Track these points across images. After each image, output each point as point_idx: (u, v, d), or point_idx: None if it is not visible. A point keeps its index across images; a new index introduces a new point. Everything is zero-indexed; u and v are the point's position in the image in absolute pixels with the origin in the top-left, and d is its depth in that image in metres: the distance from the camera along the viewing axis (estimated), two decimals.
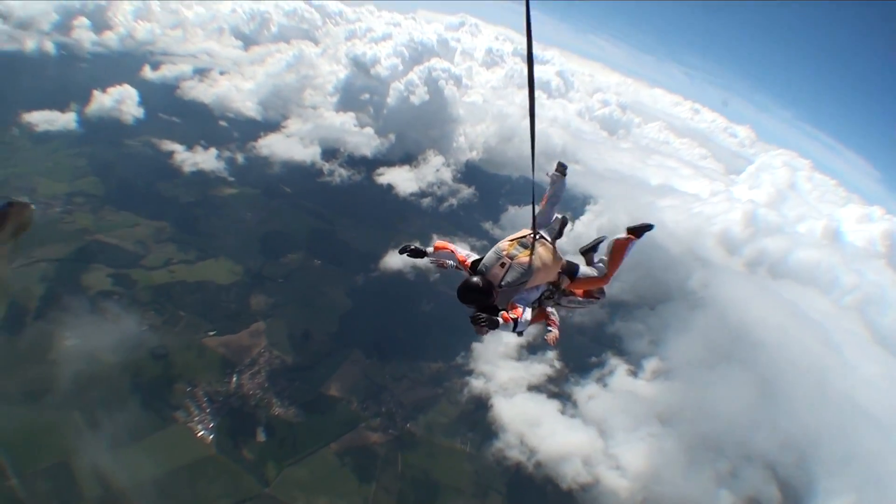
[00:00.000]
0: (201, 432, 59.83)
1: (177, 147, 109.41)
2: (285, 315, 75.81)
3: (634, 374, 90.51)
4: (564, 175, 8.83)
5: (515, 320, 7.21)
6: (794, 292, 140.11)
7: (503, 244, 7.90)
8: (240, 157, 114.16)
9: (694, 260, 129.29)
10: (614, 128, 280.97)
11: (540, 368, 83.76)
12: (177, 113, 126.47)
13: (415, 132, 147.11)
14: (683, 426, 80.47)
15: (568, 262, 8.62)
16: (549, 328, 8.44)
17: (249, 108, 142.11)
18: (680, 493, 70.83)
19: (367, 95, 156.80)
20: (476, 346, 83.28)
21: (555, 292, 8.73)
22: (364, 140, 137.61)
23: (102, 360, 60.53)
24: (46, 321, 62.65)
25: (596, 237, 9.58)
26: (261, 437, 61.96)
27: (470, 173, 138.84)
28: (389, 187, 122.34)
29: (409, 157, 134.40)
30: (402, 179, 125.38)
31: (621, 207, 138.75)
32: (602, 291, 9.46)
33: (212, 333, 69.06)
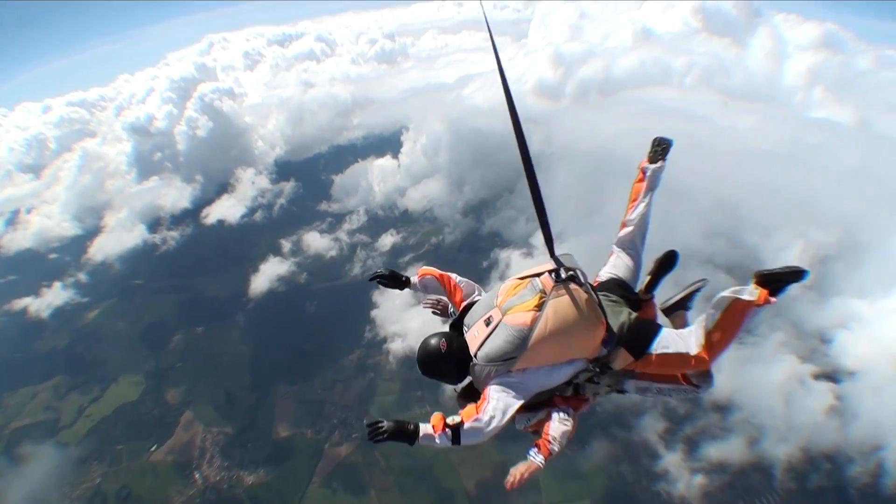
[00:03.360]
0: None
1: (26, 301, 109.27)
2: (201, 393, 78.42)
3: (529, 254, 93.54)
4: (664, 159, 6.13)
5: (456, 428, 4.87)
6: (634, 97, 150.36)
7: (509, 282, 5.45)
8: (83, 277, 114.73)
9: (524, 124, 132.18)
10: (392, 58, 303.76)
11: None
12: (9, 271, 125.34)
13: (217, 161, 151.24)
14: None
15: (635, 322, 5.37)
16: (532, 453, 5.21)
17: (67, 227, 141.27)
18: None
19: (158, 154, 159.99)
20: (375, 314, 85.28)
21: (599, 374, 5.51)
22: (177, 194, 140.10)
23: None
24: None
25: (693, 283, 6.31)
26: None
27: (283, 169, 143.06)
28: (220, 222, 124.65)
29: (223, 187, 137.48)
30: (227, 209, 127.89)
31: (433, 115, 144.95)
32: (706, 376, 5.51)
33: (154, 448, 71.09)
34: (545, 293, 5.07)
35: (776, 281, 4.79)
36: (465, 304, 6.00)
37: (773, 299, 4.77)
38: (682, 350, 5.10)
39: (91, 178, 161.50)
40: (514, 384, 5.10)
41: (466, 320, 5.50)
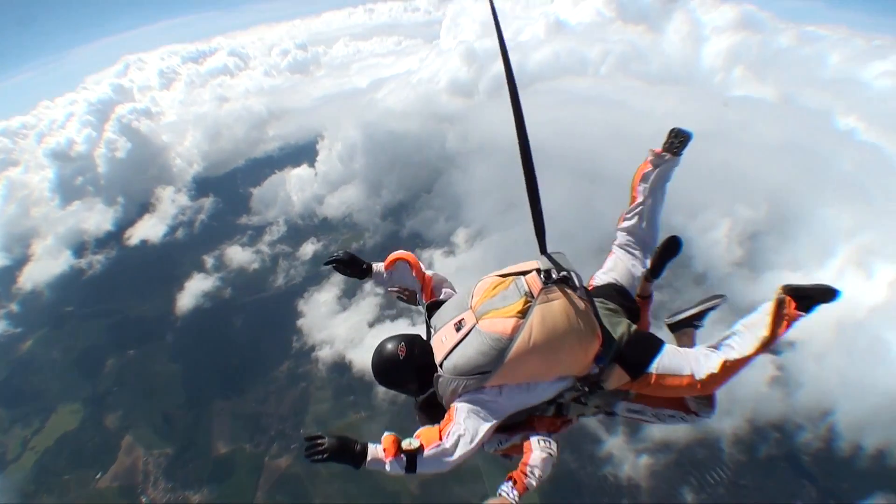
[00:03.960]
0: None
1: None
2: (139, 416, 78.61)
3: (451, 253, 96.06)
4: (680, 153, 5.63)
5: (413, 454, 4.16)
6: (549, 88, 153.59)
7: (488, 280, 4.87)
8: (14, 307, 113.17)
9: (440, 123, 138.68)
10: (305, 68, 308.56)
11: (369, 303, 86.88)
12: None
13: (137, 181, 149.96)
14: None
15: (635, 336, 4.82)
16: (505, 489, 4.33)
17: None
18: None
19: (80, 178, 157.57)
20: (301, 323, 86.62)
21: (587, 394, 4.87)
22: (100, 217, 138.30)
23: None
24: None
25: (708, 299, 5.85)
26: None
27: (202, 185, 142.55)
28: (143, 242, 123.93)
29: (144, 207, 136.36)
30: (149, 229, 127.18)
31: (347, 121, 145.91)
32: (708, 402, 5.17)
33: (99, 476, 70.92)
34: (531, 296, 4.46)
35: (806, 297, 4.43)
36: (433, 300, 5.42)
37: (802, 314, 4.40)
38: (687, 373, 4.58)
39: (16, 207, 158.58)
40: (486, 403, 4.41)
41: (434, 320, 4.87)
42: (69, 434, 78.07)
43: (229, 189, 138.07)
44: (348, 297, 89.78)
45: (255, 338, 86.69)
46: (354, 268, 5.60)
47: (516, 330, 4.36)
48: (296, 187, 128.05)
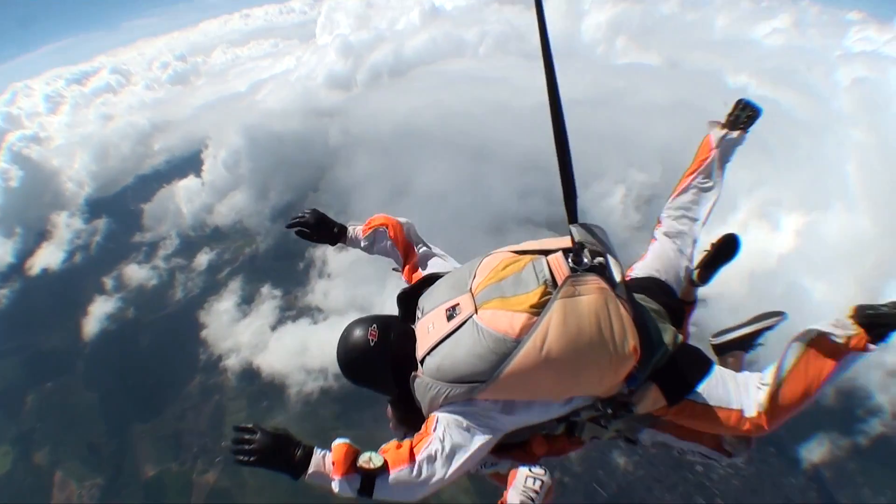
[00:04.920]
0: None
1: None
2: (66, 449, 76.30)
3: (344, 248, 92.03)
4: (748, 129, 4.70)
5: (373, 474, 3.28)
6: (427, 72, 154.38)
7: (498, 256, 3.85)
8: None
9: (321, 119, 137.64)
10: (185, 78, 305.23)
11: (269, 306, 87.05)
12: None
13: (33, 209, 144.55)
14: (442, 236, 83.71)
15: (681, 350, 3.84)
16: None
17: None
18: None
19: None
20: (205, 334, 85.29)
21: (610, 418, 3.86)
22: (0, 250, 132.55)
23: None
24: None
25: (764, 316, 4.86)
26: None
27: (94, 207, 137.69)
28: (45, 271, 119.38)
29: (41, 234, 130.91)
30: (48, 257, 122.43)
31: (229, 126, 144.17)
32: (747, 443, 4.24)
33: None
34: (553, 285, 3.38)
35: (882, 324, 3.27)
36: (421, 275, 4.45)
37: (872, 346, 3.31)
38: (736, 407, 3.61)
39: None
40: (478, 417, 3.45)
41: (421, 301, 3.91)
42: (3, 477, 75.53)
43: (121, 208, 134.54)
44: (247, 302, 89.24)
45: (163, 355, 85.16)
46: (324, 231, 4.82)
47: (526, 330, 3.28)
48: (185, 199, 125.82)
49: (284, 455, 3.30)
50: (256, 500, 62.44)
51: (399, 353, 3.71)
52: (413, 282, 4.39)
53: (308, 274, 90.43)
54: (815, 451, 55.82)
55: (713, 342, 4.91)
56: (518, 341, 3.27)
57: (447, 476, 3.36)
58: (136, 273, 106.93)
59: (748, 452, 4.22)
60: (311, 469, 3.28)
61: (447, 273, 4.09)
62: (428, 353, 3.53)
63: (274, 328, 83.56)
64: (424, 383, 3.52)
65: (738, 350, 4.83)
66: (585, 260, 3.47)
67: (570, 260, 3.48)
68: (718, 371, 3.80)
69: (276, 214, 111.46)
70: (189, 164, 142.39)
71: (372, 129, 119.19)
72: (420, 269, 4.64)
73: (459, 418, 3.43)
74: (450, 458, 3.36)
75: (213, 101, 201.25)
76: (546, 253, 3.65)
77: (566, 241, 3.66)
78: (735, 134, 4.68)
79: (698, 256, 4.73)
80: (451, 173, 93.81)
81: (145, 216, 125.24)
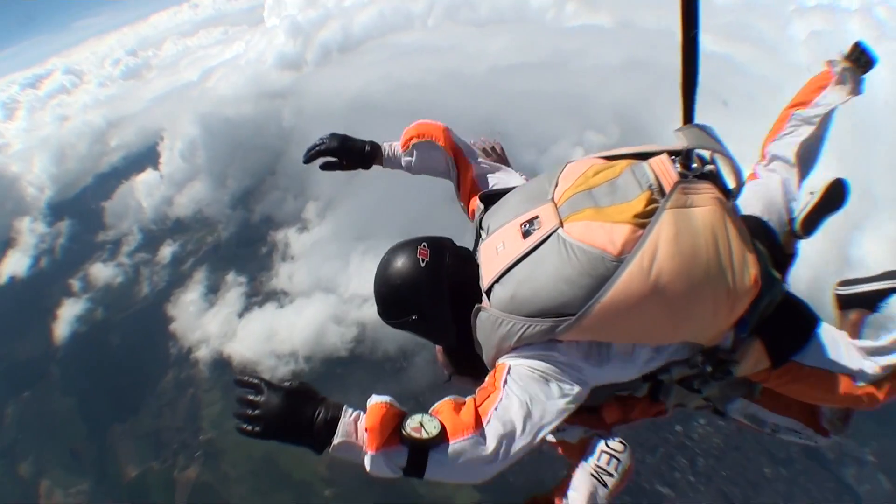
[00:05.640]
0: None
1: None
2: (49, 458, 74.62)
3: (305, 229, 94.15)
4: (867, 69, 3.65)
5: (423, 447, 2.41)
6: (377, 46, 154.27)
7: (583, 162, 3.14)
8: None
9: (273, 101, 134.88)
10: (137, 73, 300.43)
11: (234, 293, 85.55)
12: None
13: None
14: (395, 220, 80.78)
15: (787, 302, 3.08)
16: (600, 475, 2.85)
17: None
18: None
19: None
20: (173, 328, 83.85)
21: (707, 378, 3.06)
22: None
23: None
24: None
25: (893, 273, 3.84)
26: None
27: (56, 210, 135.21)
28: (12, 279, 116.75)
29: (6, 243, 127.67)
30: (15, 264, 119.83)
31: (183, 116, 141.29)
32: (847, 420, 3.66)
33: None
34: (660, 193, 2.68)
35: None
36: (479, 193, 3.58)
37: None
38: (848, 372, 3.02)
39: None
40: (561, 366, 2.65)
41: (487, 218, 3.22)
42: None
43: (82, 208, 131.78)
44: (213, 292, 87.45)
45: (135, 353, 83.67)
46: (353, 155, 3.97)
47: (630, 246, 2.53)
48: (144, 193, 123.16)
49: (301, 421, 2.47)
50: (239, 491, 61.10)
51: (457, 279, 3.00)
52: (471, 202, 3.70)
53: (272, 258, 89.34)
54: None
55: (839, 292, 3.98)
56: (619, 260, 2.52)
57: (525, 446, 2.49)
58: (102, 272, 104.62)
59: (845, 431, 3.59)
60: (337, 439, 2.45)
61: (517, 187, 3.33)
62: (497, 280, 2.80)
63: (241, 315, 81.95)
64: (492, 319, 2.75)
65: (861, 308, 3.86)
66: (695, 165, 2.84)
67: (678, 165, 2.82)
68: (828, 329, 3.18)
69: (236, 202, 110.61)
70: (146, 158, 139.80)
71: (325, 107, 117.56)
72: (480, 186, 3.77)
73: (538, 367, 2.62)
74: (528, 421, 2.50)
75: (165, 92, 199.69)
76: (645, 157, 2.92)
77: (667, 145, 2.99)
78: (858, 72, 3.62)
79: (802, 203, 3.64)
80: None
81: (107, 214, 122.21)
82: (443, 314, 2.96)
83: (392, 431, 2.38)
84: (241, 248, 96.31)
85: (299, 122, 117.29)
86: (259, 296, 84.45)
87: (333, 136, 3.95)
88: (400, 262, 3.01)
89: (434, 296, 2.93)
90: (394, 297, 3.03)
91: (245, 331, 78.79)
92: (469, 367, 3.10)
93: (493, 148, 4.23)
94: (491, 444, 2.38)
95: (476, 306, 2.81)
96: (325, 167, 3.96)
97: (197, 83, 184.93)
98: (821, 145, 3.74)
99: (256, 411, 2.46)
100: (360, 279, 76.14)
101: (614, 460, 2.80)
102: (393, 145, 4.01)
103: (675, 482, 51.13)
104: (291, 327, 74.55)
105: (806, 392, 3.14)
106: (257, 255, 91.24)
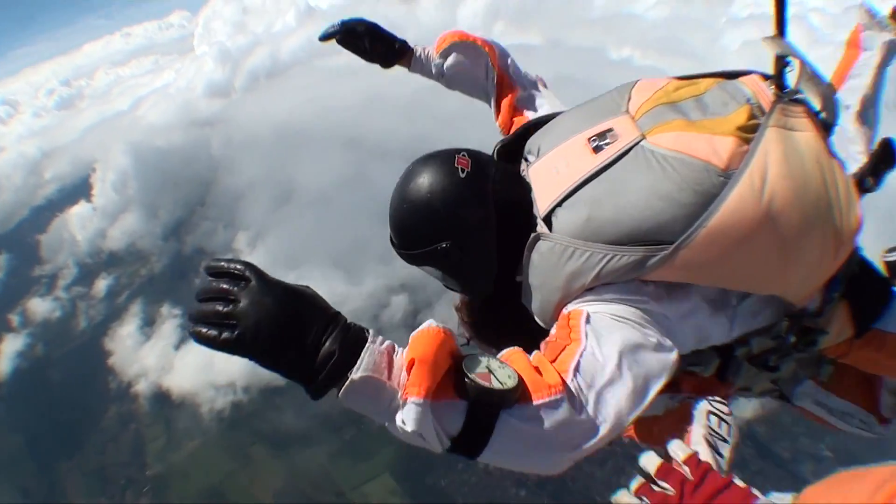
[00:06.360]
0: None
1: None
2: (1, 497, 72.68)
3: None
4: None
5: (495, 401, 1.55)
6: (305, 70, 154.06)
7: (655, 81, 2.41)
8: None
9: (202, 129, 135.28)
10: (70, 103, 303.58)
11: (169, 326, 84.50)
12: None
13: None
14: (326, 248, 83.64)
15: (862, 264, 2.55)
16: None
17: None
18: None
19: None
20: (112, 362, 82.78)
21: (788, 351, 2.45)
22: None
23: None
24: None
25: None
26: None
27: None
28: None
29: None
30: None
31: (115, 147, 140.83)
32: None
33: None
34: (759, 111, 2.13)
35: None
36: (527, 118, 3.02)
37: None
38: None
39: None
40: (654, 316, 1.95)
41: (533, 141, 2.53)
42: None
43: (19, 242, 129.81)
44: (149, 325, 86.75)
45: (77, 388, 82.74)
46: (379, 45, 3.24)
47: (736, 162, 1.94)
48: (78, 226, 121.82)
49: (302, 335, 1.55)
50: None
51: (505, 198, 2.26)
52: (514, 127, 3.00)
53: None
54: (746, 408, 54.32)
55: (887, 259, 3.13)
56: (727, 176, 1.92)
57: (634, 409, 1.74)
58: (40, 306, 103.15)
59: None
60: (358, 372, 1.53)
61: (574, 107, 2.61)
62: (560, 203, 2.09)
63: (177, 347, 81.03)
64: (558, 250, 2.02)
65: None
66: (800, 91, 2.26)
67: (775, 87, 2.23)
68: None
69: (168, 233, 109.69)
70: (79, 189, 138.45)
71: (253, 134, 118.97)
72: (524, 109, 3.11)
73: (623, 315, 1.88)
74: (633, 377, 1.74)
75: (97, 122, 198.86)
76: (734, 77, 2.37)
77: (757, 70, 2.42)
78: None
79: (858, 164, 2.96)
80: (334, 170, 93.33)
81: (42, 247, 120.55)
82: (484, 242, 2.26)
83: (443, 378, 1.57)
84: (174, 280, 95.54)
85: (228, 151, 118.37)
86: None
87: (363, 20, 3.28)
88: (431, 172, 2.27)
89: (476, 215, 2.23)
90: (420, 217, 2.27)
91: (182, 363, 78.17)
92: (495, 331, 2.46)
93: None
94: (590, 407, 1.67)
95: (534, 234, 2.12)
96: (342, 41, 3.24)
97: (128, 112, 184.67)
98: (877, 107, 2.95)
99: (233, 308, 1.52)
100: None
101: (724, 424, 2.35)
102: (427, 48, 3.32)
103: None
104: (228, 358, 70.51)
105: (881, 367, 2.74)
106: (191, 287, 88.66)
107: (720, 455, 2.23)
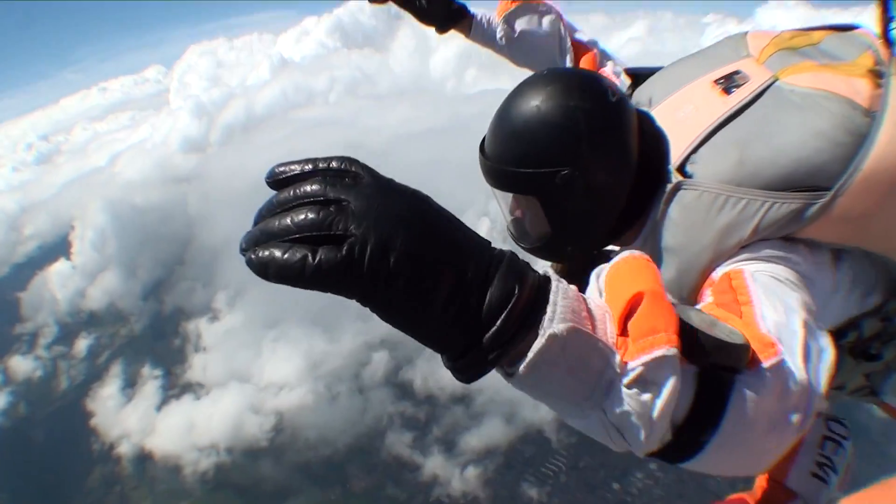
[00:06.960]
0: None
1: None
2: None
3: (216, 318, 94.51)
4: None
5: (734, 361, 1.03)
6: (279, 123, 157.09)
7: (763, 33, 2.05)
8: None
9: (179, 185, 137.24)
10: (48, 158, 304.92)
11: (150, 387, 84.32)
12: None
13: None
14: (305, 307, 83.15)
15: None
16: None
17: None
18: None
19: None
20: (94, 423, 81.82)
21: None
22: None
23: None
24: None
25: None
26: None
27: None
28: None
29: None
30: None
31: (92, 204, 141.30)
32: None
33: None
34: (880, 62, 1.80)
35: None
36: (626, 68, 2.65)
37: None
38: None
39: None
40: (806, 280, 1.55)
41: (637, 95, 2.22)
42: None
43: (0, 300, 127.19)
44: (130, 386, 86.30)
45: (60, 449, 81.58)
46: (434, 5, 2.87)
47: (876, 103, 1.67)
48: (58, 285, 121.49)
49: (463, 263, 0.86)
50: None
51: (648, 138, 1.91)
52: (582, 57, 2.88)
53: (185, 349, 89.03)
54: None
55: None
56: (871, 115, 1.65)
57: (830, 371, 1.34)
58: (22, 365, 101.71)
59: None
60: (561, 324, 0.89)
61: (684, 57, 2.31)
62: (695, 149, 1.79)
63: (159, 408, 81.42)
64: (707, 199, 1.68)
65: None
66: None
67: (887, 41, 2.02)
68: None
69: (147, 293, 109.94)
70: (59, 247, 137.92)
71: (229, 189, 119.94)
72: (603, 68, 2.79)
73: (783, 275, 1.54)
74: (823, 334, 1.39)
75: (75, 177, 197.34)
76: (845, 30, 2.06)
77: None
78: None
79: None
80: None
81: (23, 306, 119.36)
82: (617, 184, 1.85)
83: (671, 329, 0.98)
84: (154, 340, 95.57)
85: (205, 207, 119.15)
86: (175, 388, 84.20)
87: None
88: (579, 84, 1.86)
89: (621, 149, 1.83)
90: (551, 128, 1.77)
91: (164, 424, 78.39)
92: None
93: None
94: (802, 373, 1.17)
95: (676, 181, 1.75)
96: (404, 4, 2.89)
97: (105, 168, 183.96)
98: None
99: (337, 213, 0.83)
100: (274, 367, 77.87)
101: (841, 450, 2.12)
102: (488, 14, 2.97)
103: None
104: (209, 419, 74.20)
105: None
106: (171, 347, 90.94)
107: (827, 485, 2.06)
